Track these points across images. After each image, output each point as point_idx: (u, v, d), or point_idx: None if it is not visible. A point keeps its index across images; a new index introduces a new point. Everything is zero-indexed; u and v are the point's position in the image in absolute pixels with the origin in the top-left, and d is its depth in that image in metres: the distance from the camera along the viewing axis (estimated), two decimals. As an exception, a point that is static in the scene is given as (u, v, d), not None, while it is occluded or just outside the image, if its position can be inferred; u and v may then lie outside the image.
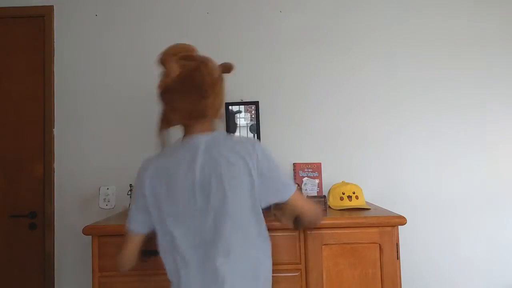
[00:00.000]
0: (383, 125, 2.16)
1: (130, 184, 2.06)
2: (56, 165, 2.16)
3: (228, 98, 2.15)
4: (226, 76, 2.21)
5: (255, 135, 2.08)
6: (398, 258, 1.52)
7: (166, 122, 1.20)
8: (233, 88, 2.19)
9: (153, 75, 2.19)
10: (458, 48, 2.18)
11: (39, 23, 2.22)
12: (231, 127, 2.11)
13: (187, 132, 1.20)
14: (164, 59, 1.15)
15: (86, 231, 1.52)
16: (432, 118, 2.16)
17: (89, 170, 2.15)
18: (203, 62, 1.16)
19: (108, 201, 2.07)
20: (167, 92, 1.15)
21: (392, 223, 1.53)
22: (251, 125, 2.08)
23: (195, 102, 1.14)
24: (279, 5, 2.22)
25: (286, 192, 1.19)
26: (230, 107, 2.14)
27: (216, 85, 1.17)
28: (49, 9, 2.21)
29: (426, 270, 2.09)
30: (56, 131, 2.18)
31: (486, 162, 2.14)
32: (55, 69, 2.20)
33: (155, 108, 2.16)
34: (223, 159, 1.11)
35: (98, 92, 2.19)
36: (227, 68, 1.23)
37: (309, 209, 1.24)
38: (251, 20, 2.21)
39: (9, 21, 2.23)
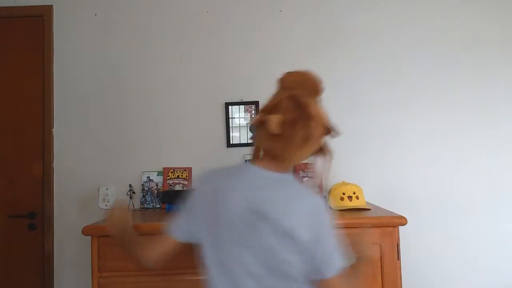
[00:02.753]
0: (383, 125, 2.16)
1: (130, 184, 2.06)
2: (55, 165, 2.15)
3: (228, 98, 2.18)
4: (226, 77, 2.21)
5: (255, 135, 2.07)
6: (398, 258, 1.52)
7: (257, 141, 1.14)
8: (233, 88, 2.19)
9: (153, 75, 2.21)
10: (461, 49, 2.17)
11: (38, 23, 2.21)
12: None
13: (262, 160, 1.10)
14: (303, 99, 1.05)
15: (86, 231, 1.51)
16: (433, 118, 2.15)
17: (89, 170, 2.14)
18: (314, 117, 1.03)
19: (108, 201, 2.06)
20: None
21: (392, 223, 1.53)
22: (251, 125, 2.08)
23: (286, 149, 1.04)
24: (279, 5, 2.21)
25: (327, 271, 0.99)
26: (230, 107, 2.14)
27: (310, 142, 1.04)
28: (48, 9, 2.20)
29: (426, 270, 2.09)
30: (55, 131, 2.17)
31: (487, 162, 2.13)
32: (54, 68, 2.19)
33: (154, 108, 2.19)
34: (276, 209, 0.99)
35: (97, 92, 2.19)
36: (331, 132, 1.08)
37: None
38: (251, 20, 2.21)
39: (8, 21, 2.22)
